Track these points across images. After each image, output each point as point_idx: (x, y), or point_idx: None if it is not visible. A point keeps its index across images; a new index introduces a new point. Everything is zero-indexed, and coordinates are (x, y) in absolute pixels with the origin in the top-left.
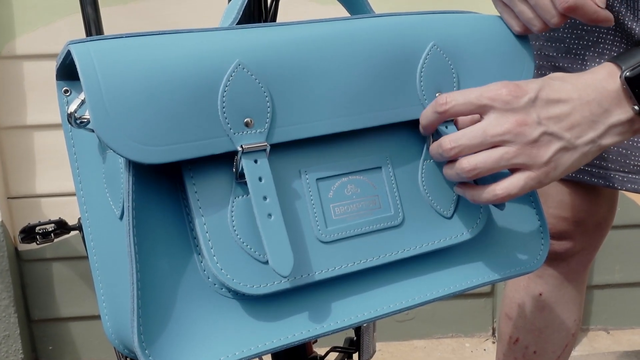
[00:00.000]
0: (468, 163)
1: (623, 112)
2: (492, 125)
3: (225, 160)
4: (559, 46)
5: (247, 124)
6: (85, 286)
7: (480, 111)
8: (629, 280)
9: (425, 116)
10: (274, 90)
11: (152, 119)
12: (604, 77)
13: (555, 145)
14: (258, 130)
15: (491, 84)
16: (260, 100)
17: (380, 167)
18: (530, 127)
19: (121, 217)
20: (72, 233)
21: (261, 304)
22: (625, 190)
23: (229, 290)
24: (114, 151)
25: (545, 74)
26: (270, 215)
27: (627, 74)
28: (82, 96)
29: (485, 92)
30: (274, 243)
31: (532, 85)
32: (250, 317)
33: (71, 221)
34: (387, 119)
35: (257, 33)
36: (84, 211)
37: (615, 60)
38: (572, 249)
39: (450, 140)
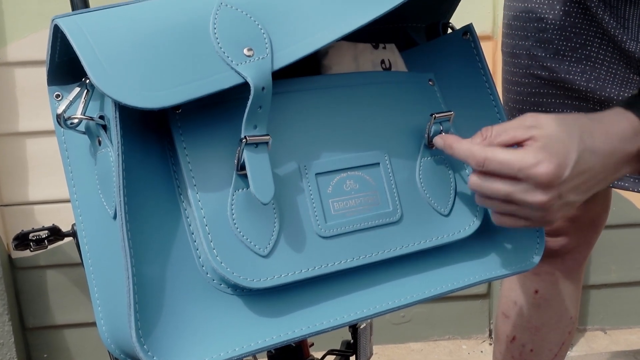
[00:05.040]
0: (496, 219)
1: (630, 168)
2: (519, 192)
3: (226, 151)
4: (547, 47)
5: (248, 55)
6: (80, 293)
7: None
8: (626, 280)
9: (449, 148)
10: (263, 18)
11: (150, 66)
12: (630, 138)
13: (565, 209)
14: (261, 57)
15: (532, 153)
16: (253, 29)
17: (378, 163)
18: (553, 203)
19: (115, 217)
20: (66, 240)
21: (260, 300)
22: (619, 188)
23: (228, 285)
24: (120, 102)
25: (534, 74)
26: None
27: None
28: (70, 96)
29: (525, 169)
30: (257, 171)
31: (572, 157)
32: (249, 314)
33: (65, 228)
34: (382, 9)
35: None
36: (78, 215)
37: None
38: (567, 245)
39: (474, 184)
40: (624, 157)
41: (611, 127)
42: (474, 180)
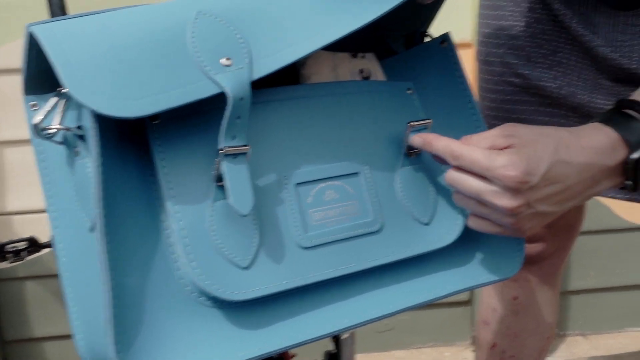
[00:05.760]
0: (472, 221)
1: (611, 182)
2: (489, 194)
3: (205, 162)
4: (519, 54)
5: (226, 65)
6: (60, 305)
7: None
8: (605, 285)
9: (428, 145)
10: (242, 27)
11: (126, 75)
12: (608, 152)
13: (537, 220)
14: (239, 67)
15: (503, 156)
16: (232, 38)
17: (358, 173)
18: (521, 210)
19: (92, 229)
20: (45, 251)
21: (240, 312)
22: (601, 195)
23: (208, 298)
24: (96, 111)
25: (507, 81)
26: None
27: (637, 156)
28: (47, 106)
29: (493, 169)
30: (236, 182)
31: (542, 166)
32: (230, 326)
33: (45, 238)
34: (362, 20)
35: None
36: (55, 226)
37: (619, 130)
38: (545, 251)
39: (450, 178)
40: (603, 171)
41: (589, 140)
42: (450, 174)
